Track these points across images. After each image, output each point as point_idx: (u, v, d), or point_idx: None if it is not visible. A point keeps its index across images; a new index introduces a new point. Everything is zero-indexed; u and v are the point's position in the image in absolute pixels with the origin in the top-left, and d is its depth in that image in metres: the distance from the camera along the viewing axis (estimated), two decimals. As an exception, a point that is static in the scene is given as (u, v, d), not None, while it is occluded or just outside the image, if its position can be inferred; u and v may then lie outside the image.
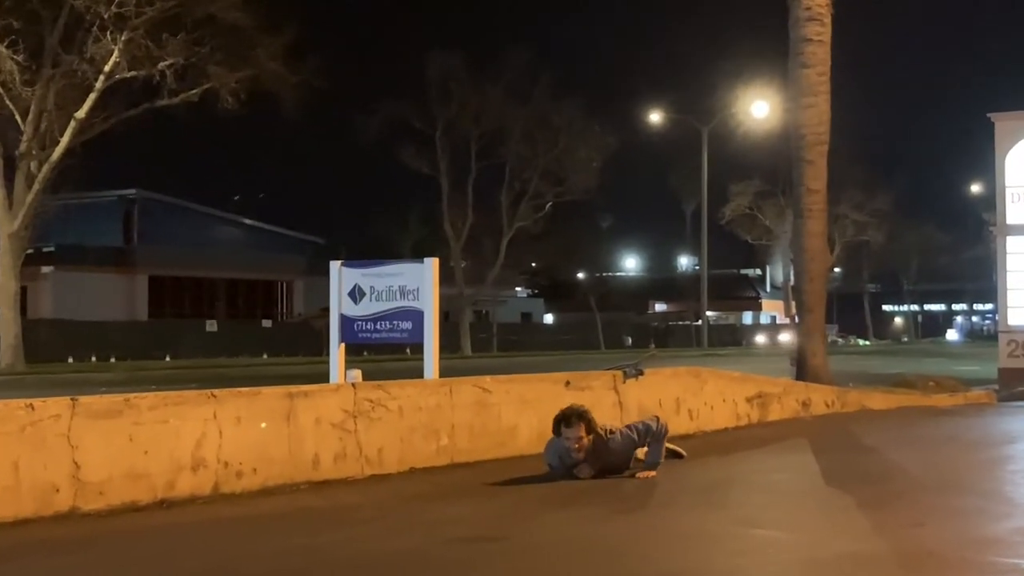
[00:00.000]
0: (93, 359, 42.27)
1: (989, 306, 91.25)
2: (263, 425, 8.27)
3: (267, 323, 56.08)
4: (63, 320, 46.09)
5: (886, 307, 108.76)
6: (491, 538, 6.78)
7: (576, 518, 7.39)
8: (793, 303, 24.42)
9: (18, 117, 33.77)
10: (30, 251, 38.09)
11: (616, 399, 10.98)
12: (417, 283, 10.90)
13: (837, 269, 75.11)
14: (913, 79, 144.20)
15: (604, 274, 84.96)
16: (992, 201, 22.05)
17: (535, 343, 62.27)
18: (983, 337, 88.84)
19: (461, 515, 7.54)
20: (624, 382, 11.10)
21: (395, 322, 11.00)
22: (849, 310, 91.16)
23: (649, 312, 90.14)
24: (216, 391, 8.13)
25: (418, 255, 17.96)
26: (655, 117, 66.40)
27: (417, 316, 10.88)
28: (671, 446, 9.64)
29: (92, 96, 33.79)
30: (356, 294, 11.15)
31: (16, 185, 34.68)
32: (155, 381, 25.77)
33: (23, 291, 38.39)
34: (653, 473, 8.84)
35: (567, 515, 7.51)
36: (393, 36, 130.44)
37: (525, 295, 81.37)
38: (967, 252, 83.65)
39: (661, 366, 12.84)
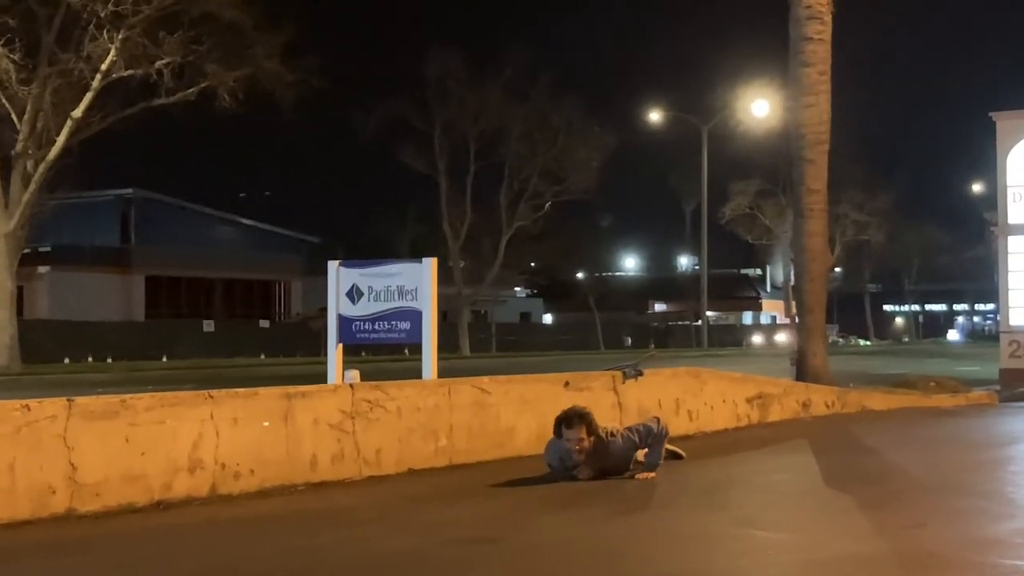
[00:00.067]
0: (89, 359, 42.17)
1: (990, 306, 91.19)
2: (265, 424, 8.23)
3: (265, 323, 55.95)
4: (59, 320, 46.03)
5: (887, 307, 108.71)
6: (490, 539, 6.76)
7: (576, 519, 7.36)
8: (793, 303, 24.37)
9: (14, 116, 33.68)
10: (26, 251, 38.06)
11: (615, 400, 10.95)
12: (415, 283, 10.87)
13: (838, 269, 75.08)
14: (913, 79, 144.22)
15: (603, 274, 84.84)
16: (993, 201, 22.03)
17: (534, 343, 62.20)
18: (984, 337, 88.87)
19: (460, 516, 7.52)
20: (623, 383, 11.07)
21: (393, 322, 10.97)
22: (850, 310, 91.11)
23: (649, 312, 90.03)
24: (213, 392, 8.09)
25: (417, 255, 17.90)
26: (655, 116, 66.41)
27: (415, 316, 10.85)
28: (670, 447, 9.62)
29: (89, 95, 33.72)
30: (354, 294, 11.12)
31: (12, 185, 34.59)
32: (152, 382, 25.73)
33: (19, 291, 38.39)
34: (653, 474, 8.82)
35: (567, 516, 7.48)
36: (392, 35, 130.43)
37: (524, 295, 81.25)
38: (968, 252, 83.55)
39: (660, 366, 12.82)
